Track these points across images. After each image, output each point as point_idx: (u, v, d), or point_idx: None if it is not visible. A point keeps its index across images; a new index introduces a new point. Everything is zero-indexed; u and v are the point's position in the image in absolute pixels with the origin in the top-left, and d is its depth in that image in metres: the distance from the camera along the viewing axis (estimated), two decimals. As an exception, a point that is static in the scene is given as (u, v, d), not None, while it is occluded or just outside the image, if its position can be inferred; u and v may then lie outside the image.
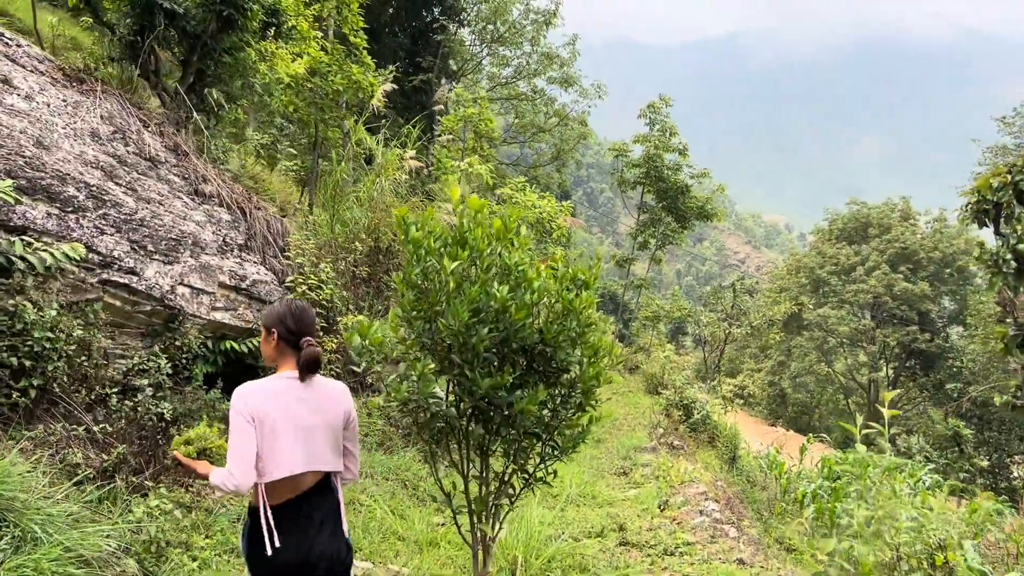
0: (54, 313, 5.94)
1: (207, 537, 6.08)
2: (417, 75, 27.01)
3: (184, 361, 7.58)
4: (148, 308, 7.32)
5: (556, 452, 4.03)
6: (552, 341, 3.83)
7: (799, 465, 17.20)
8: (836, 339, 44.19)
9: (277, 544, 3.23)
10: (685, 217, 25.93)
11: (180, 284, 7.63)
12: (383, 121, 13.92)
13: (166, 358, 7.30)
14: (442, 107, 15.56)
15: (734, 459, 16.05)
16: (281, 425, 3.28)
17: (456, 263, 3.55)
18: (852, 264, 44.51)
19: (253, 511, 3.33)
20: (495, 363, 3.75)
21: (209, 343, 8.06)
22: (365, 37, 14.52)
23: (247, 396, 3.29)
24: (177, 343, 7.48)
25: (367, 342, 3.50)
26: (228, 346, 8.02)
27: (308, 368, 3.36)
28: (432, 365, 3.54)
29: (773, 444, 18.49)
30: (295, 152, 13.93)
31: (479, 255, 3.69)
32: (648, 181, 25.67)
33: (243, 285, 8.41)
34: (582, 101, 34.97)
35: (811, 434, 21.35)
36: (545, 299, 3.90)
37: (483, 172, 13.41)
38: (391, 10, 30.11)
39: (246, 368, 8.42)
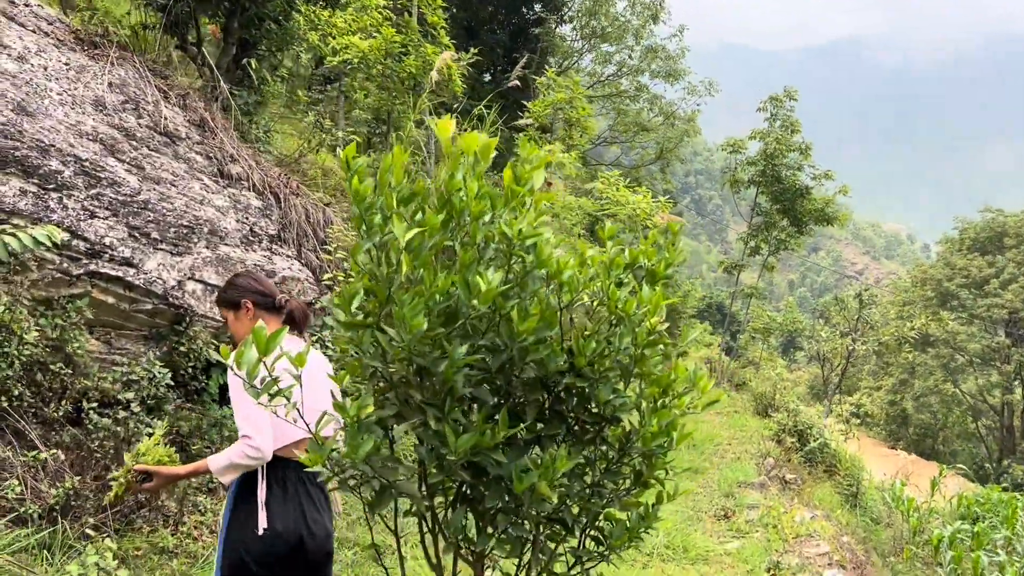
0: (1, 310, 4.80)
1: (185, 596, 4.82)
2: (513, 72, 25.79)
3: (191, 370, 6.39)
4: (149, 307, 6.16)
5: (602, 549, 2.47)
6: (589, 370, 2.30)
7: (930, 500, 14.93)
8: (965, 357, 40.59)
9: (277, 521, 3.04)
10: (802, 221, 23.55)
11: (190, 279, 6.46)
12: (457, 107, 12.61)
13: (165, 366, 6.12)
14: (517, 83, 14.07)
15: (856, 495, 13.96)
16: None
17: (413, 231, 2.06)
18: (985, 277, 40.96)
19: (246, 484, 3.13)
20: (488, 406, 2.25)
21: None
22: (445, 16, 13.27)
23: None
24: (182, 348, 6.29)
25: (265, 359, 2.06)
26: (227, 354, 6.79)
27: (305, 319, 3.39)
28: (369, 407, 2.04)
29: (898, 474, 16.23)
30: (358, 139, 12.82)
31: (460, 219, 2.20)
32: (764, 181, 23.45)
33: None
34: (690, 99, 32.96)
35: (943, 466, 18.79)
36: (585, 297, 2.37)
37: (566, 160, 11.79)
38: (490, 8, 29.06)
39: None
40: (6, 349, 4.85)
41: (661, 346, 2.34)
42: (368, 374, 2.31)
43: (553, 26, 29.03)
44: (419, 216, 2.31)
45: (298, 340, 3.47)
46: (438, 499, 2.35)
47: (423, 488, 2.27)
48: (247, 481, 3.19)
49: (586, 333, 2.33)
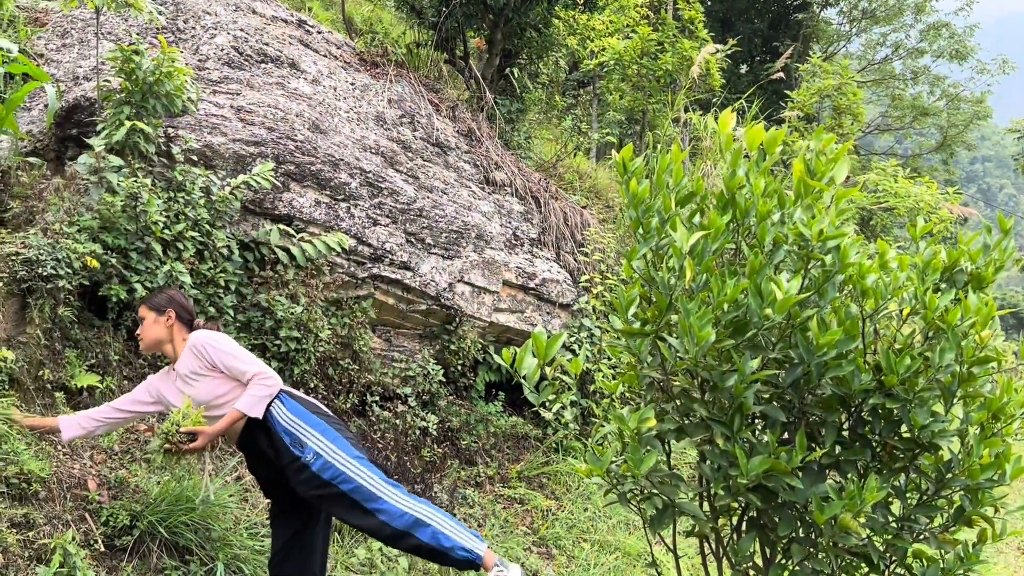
0: (300, 310, 5.31)
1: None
2: (775, 62, 24.55)
3: (460, 368, 6.70)
4: (423, 307, 6.55)
5: (909, 592, 2.16)
6: (902, 390, 2.01)
7: None
8: None
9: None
10: None
11: (459, 281, 6.78)
12: (716, 102, 12.17)
13: (437, 363, 6.46)
14: (781, 74, 13.25)
15: None
16: None
17: (699, 235, 1.91)
18: None
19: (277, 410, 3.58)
20: (781, 425, 2.04)
21: (491, 349, 7.12)
22: (702, 9, 12.89)
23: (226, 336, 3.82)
24: (452, 347, 6.61)
25: (544, 365, 2.02)
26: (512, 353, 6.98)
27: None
28: (651, 419, 1.93)
29: None
30: (612, 140, 12.78)
31: (745, 220, 2.01)
32: (1069, 166, 20.35)
33: (531, 284, 7.35)
34: (979, 78, 29.34)
35: None
36: (892, 306, 2.09)
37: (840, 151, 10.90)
38: (747, -2, 27.90)
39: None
40: (304, 346, 5.36)
41: (993, 364, 2.01)
42: (645, 384, 2.21)
43: (817, 10, 27.21)
44: (697, 218, 2.17)
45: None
46: (722, 521, 2.20)
47: (706, 509, 2.13)
48: (275, 409, 3.59)
49: (897, 347, 2.05)
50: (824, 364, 2.00)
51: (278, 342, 5.27)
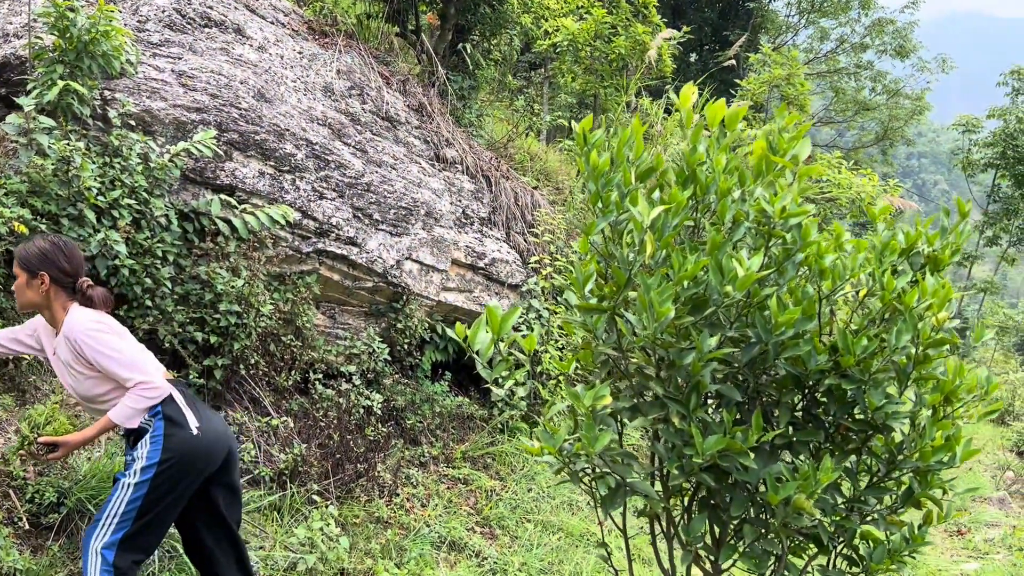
0: (241, 283, 5.15)
1: (398, 566, 4.97)
2: (724, 51, 24.75)
3: (406, 347, 6.60)
4: (370, 284, 6.43)
5: (857, 571, 2.16)
6: (857, 371, 2.00)
7: None
8: None
9: (198, 420, 3.29)
10: (1053, 209, 20.90)
11: (407, 259, 6.67)
12: (668, 88, 12.19)
13: (383, 342, 6.36)
14: (732, 62, 13.37)
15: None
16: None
17: (660, 209, 1.86)
18: None
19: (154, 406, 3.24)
20: (736, 405, 2.02)
21: (438, 328, 7.03)
22: (656, -4, 12.89)
23: (101, 316, 3.33)
24: (399, 325, 6.51)
25: (498, 340, 1.95)
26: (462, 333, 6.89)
27: (106, 304, 3.38)
28: (606, 397, 1.88)
29: None
30: (563, 122, 12.73)
31: (705, 196, 1.97)
32: (1004, 163, 21.03)
33: (480, 264, 7.27)
34: (919, 76, 30.10)
35: None
36: (849, 287, 2.07)
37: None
38: (699, -16, 28.05)
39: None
40: (245, 320, 5.20)
41: (947, 346, 2.01)
42: (599, 362, 2.16)
43: (766, 1, 27.55)
44: (657, 194, 2.12)
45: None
46: (673, 501, 2.17)
47: (658, 489, 2.10)
48: (148, 423, 3.26)
49: (853, 328, 2.04)
50: (781, 344, 1.98)
51: (217, 316, 5.10)
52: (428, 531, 5.40)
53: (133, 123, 5.17)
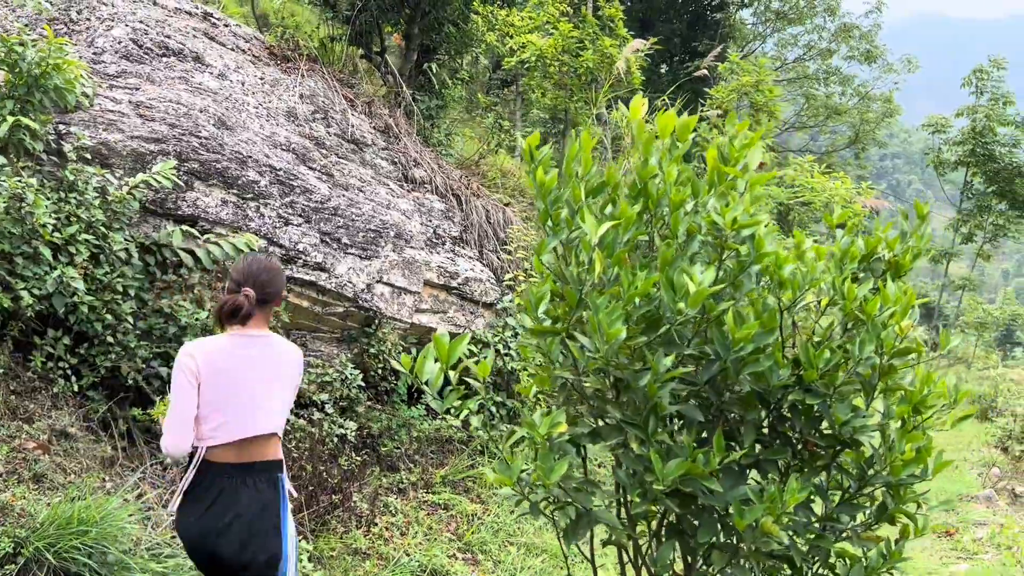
0: (204, 315, 5.03)
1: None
2: (694, 61, 24.91)
3: (380, 371, 6.49)
4: (340, 309, 6.32)
5: (832, 592, 2.08)
6: (821, 384, 1.92)
7: None
8: None
9: (194, 512, 2.92)
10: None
11: (378, 282, 6.57)
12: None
13: (356, 367, 6.24)
14: (705, 72, 13.43)
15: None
16: (234, 382, 2.96)
17: (607, 225, 1.78)
18: None
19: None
20: (700, 425, 1.93)
21: (413, 351, 6.92)
22: (621, 7, 12.93)
23: (193, 351, 2.94)
24: (372, 350, 6.40)
25: (447, 369, 1.86)
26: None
27: (224, 315, 3.01)
28: (562, 424, 1.79)
29: None
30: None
31: (658, 210, 1.89)
32: (974, 160, 21.23)
33: (454, 284, 7.19)
34: (886, 77, 30.47)
35: None
36: (810, 297, 2.01)
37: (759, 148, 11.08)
38: (667, -4, 28.27)
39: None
40: (211, 353, 5.07)
41: (912, 355, 1.94)
42: (558, 386, 2.08)
43: (733, 11, 27.81)
44: (610, 208, 2.05)
45: (243, 339, 3.05)
46: (640, 528, 2.08)
47: (623, 516, 2.01)
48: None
49: (816, 340, 1.97)
50: (742, 360, 1.91)
51: (183, 350, 4.97)
52: (408, 560, 5.27)
53: (89, 156, 5.07)
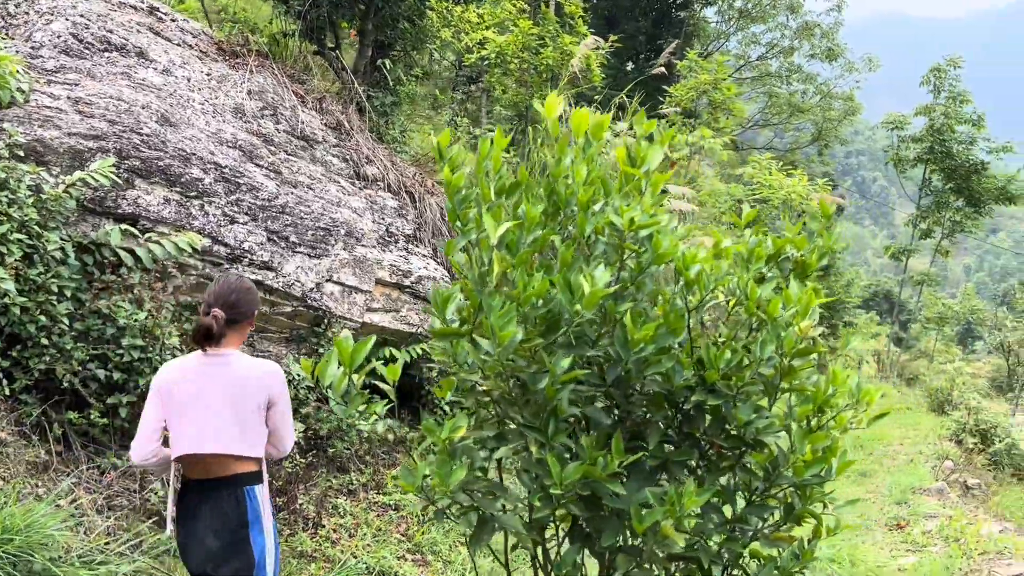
0: (143, 316, 4.93)
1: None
2: (658, 59, 25.01)
3: (330, 372, 6.41)
4: (289, 309, 6.24)
5: (746, 593, 2.07)
6: (724, 385, 1.91)
7: None
8: None
9: (174, 527, 3.17)
10: (980, 200, 21.45)
11: (328, 281, 6.49)
12: (598, 98, 12.21)
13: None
14: (663, 70, 13.47)
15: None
16: (187, 400, 3.06)
17: (507, 225, 1.75)
18: None
19: None
20: (609, 427, 1.91)
21: (364, 350, 6.85)
22: (586, 6, 12.94)
23: (163, 368, 3.17)
24: (322, 351, 6.32)
25: (351, 373, 1.80)
26: (388, 354, 6.72)
27: (196, 337, 3.07)
28: (461, 428, 1.76)
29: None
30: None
31: (567, 209, 1.87)
32: (932, 158, 21.56)
33: (407, 282, 7.13)
34: (848, 76, 30.90)
35: None
36: (720, 297, 1.99)
37: (716, 146, 11.12)
38: (633, -7, 28.34)
39: (413, 383, 7.13)
40: (150, 355, 4.98)
41: (814, 355, 1.93)
42: (467, 388, 2.04)
43: (698, 9, 27.98)
44: (523, 208, 2.02)
45: (207, 358, 3.14)
46: (548, 531, 2.06)
47: (528, 520, 1.98)
48: None
49: (719, 340, 1.96)
50: (644, 360, 1.89)
51: (120, 351, 4.87)
52: (355, 562, 5.22)
53: (23, 154, 4.94)
